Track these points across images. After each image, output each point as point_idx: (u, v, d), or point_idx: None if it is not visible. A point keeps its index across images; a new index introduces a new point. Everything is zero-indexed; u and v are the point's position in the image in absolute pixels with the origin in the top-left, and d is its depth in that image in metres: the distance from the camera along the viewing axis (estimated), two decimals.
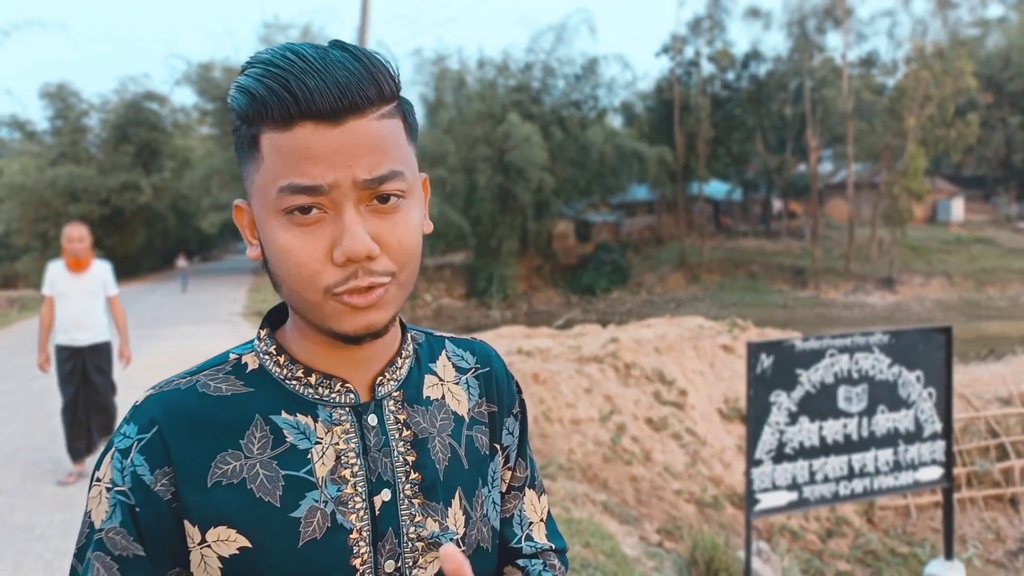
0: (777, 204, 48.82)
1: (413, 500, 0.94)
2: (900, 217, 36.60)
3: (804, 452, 4.76)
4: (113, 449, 0.88)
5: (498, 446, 1.08)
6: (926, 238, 41.12)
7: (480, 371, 1.08)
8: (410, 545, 0.93)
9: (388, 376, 0.96)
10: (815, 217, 39.91)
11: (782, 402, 4.66)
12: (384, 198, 0.84)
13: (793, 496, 4.74)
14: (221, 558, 0.86)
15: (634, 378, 10.82)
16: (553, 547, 1.15)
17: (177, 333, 15.40)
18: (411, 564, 0.94)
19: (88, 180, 34.32)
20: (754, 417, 4.63)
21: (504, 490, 1.11)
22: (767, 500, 4.67)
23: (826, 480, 4.83)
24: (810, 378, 4.72)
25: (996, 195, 49.96)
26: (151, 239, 39.15)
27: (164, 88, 50.63)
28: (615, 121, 46.63)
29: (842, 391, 4.83)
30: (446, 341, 1.10)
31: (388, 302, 0.87)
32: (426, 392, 1.00)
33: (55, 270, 6.16)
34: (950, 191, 47.59)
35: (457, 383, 1.05)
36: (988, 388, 12.14)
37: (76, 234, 6.00)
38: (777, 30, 56.52)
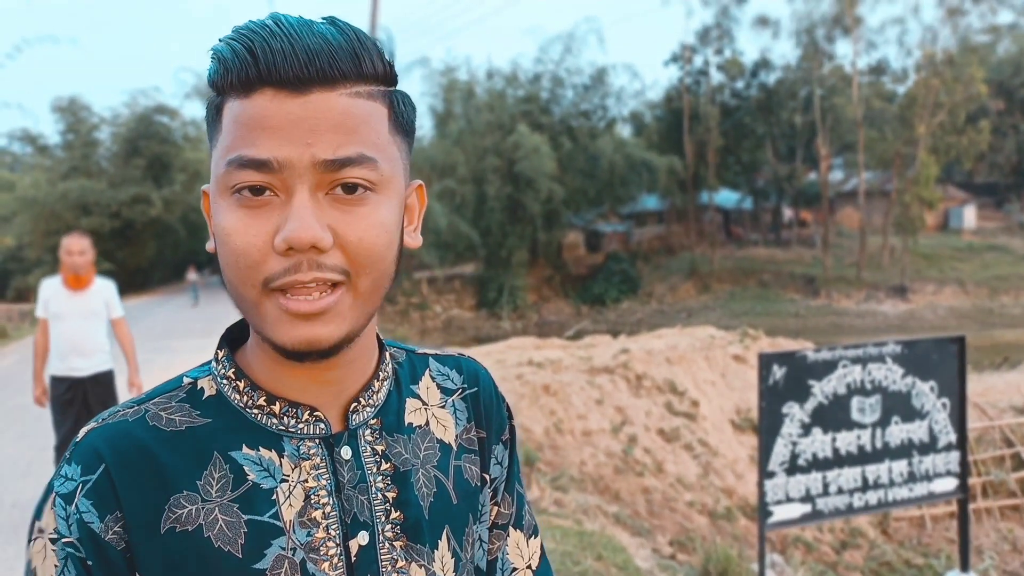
0: (788, 213, 48.69)
1: (395, 543, 0.82)
2: (912, 225, 36.46)
3: (817, 464, 4.72)
4: (53, 494, 0.75)
5: (487, 476, 0.95)
6: (938, 246, 40.93)
7: (467, 391, 0.95)
8: None
9: (364, 402, 0.84)
10: (826, 225, 39.79)
11: (795, 413, 4.63)
12: (350, 188, 0.72)
13: (807, 508, 4.70)
14: None
15: (645, 389, 10.78)
16: None
17: (189, 346, 15.44)
18: None
19: (99, 193, 34.53)
20: (766, 429, 4.59)
21: (489, 527, 0.97)
22: (780, 512, 4.63)
23: (840, 492, 4.79)
24: (823, 389, 4.69)
25: (1008, 202, 49.68)
26: (162, 252, 39.35)
27: (174, 101, 50.91)
28: (624, 131, 46.64)
29: (855, 402, 4.79)
30: (430, 359, 0.97)
31: (338, 315, 0.73)
32: (408, 418, 0.88)
33: (50, 288, 5.33)
34: (962, 198, 47.37)
35: (443, 406, 0.92)
36: (1003, 397, 12.04)
37: (77, 246, 5.17)
38: (786, 38, 56.56)
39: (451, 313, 36.59)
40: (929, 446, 4.99)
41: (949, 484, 5.10)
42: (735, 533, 8.51)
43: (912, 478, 4.97)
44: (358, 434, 0.83)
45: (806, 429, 4.66)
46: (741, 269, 40.57)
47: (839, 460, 4.77)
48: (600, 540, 5.94)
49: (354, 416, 0.83)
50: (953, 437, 5.07)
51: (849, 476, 4.80)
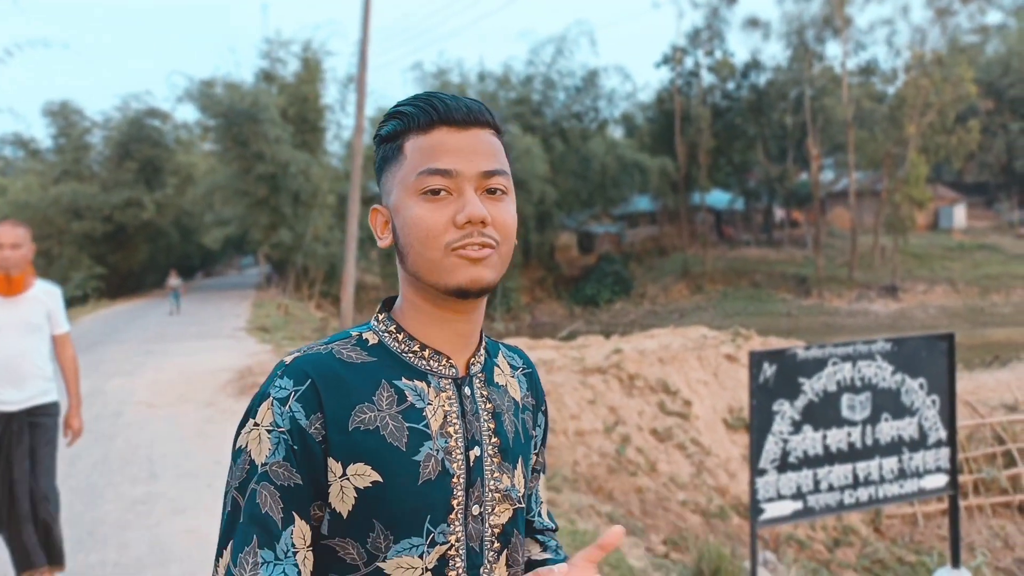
0: (779, 213, 48.81)
1: (494, 459, 1.16)
2: (902, 224, 36.60)
3: (808, 461, 4.74)
4: (271, 398, 1.05)
5: (534, 433, 1.30)
6: (929, 245, 41.09)
7: (526, 371, 1.33)
8: (491, 495, 1.15)
9: (476, 359, 1.19)
10: (817, 225, 39.91)
11: (785, 411, 4.66)
12: (493, 191, 1.10)
13: (798, 505, 4.73)
14: (357, 489, 1.05)
15: (638, 389, 10.81)
16: (553, 527, 1.41)
17: (181, 348, 15.41)
18: (490, 511, 1.15)
19: (91, 197, 34.43)
20: (757, 426, 4.62)
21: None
22: (772, 510, 4.65)
23: (831, 489, 4.81)
24: (813, 387, 4.72)
25: (998, 201, 49.90)
26: (154, 255, 39.23)
27: (166, 105, 50.66)
28: (616, 132, 46.75)
29: (845, 399, 4.82)
30: (500, 344, 1.33)
31: (493, 264, 1.09)
32: (496, 378, 1.23)
33: None
34: (952, 198, 47.55)
35: (512, 376, 1.28)
36: (993, 395, 12.11)
37: (8, 237, 3.97)
38: (776, 40, 56.64)
39: None
40: (919, 443, 5.03)
41: (939, 480, 5.13)
42: (728, 532, 8.53)
43: (902, 475, 5.00)
44: (473, 380, 1.18)
45: (797, 427, 4.69)
46: (733, 269, 40.66)
47: (830, 457, 4.80)
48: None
49: (472, 367, 1.18)
50: (943, 434, 5.10)
51: (840, 473, 4.83)
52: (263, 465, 1.03)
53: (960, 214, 46.57)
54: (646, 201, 46.90)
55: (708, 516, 8.77)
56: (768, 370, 4.58)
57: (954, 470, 5.16)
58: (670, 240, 45.27)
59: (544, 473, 1.39)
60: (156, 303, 29.32)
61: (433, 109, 1.10)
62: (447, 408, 1.13)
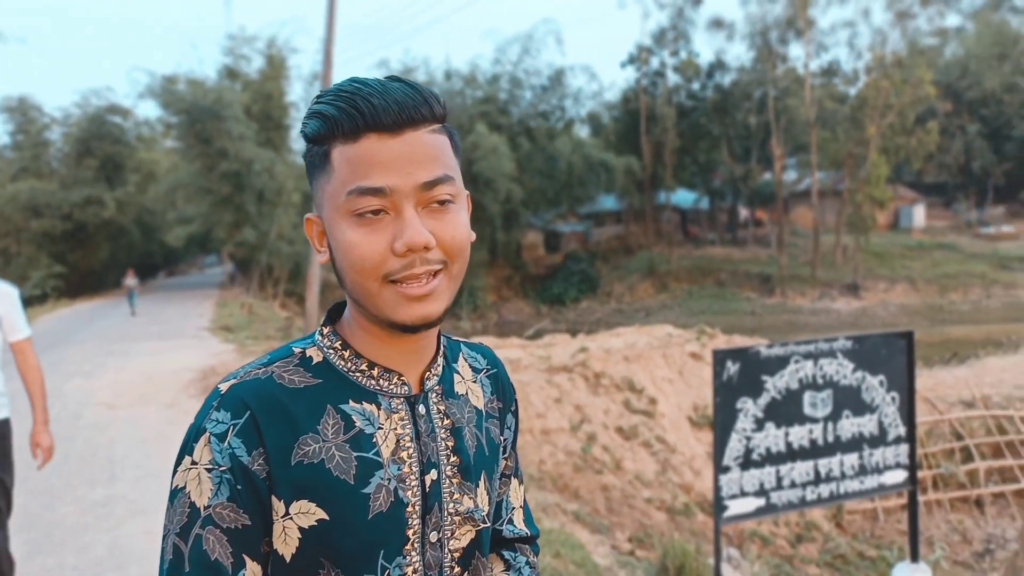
0: (743, 212, 49.28)
1: (453, 480, 1.08)
2: (864, 224, 37.11)
3: (771, 458, 4.79)
4: (207, 434, 0.97)
5: (502, 438, 1.22)
6: (889, 244, 41.71)
7: (490, 372, 1.24)
8: (449, 519, 1.07)
9: (432, 371, 1.10)
10: (781, 225, 40.33)
11: (748, 409, 4.70)
12: (441, 201, 0.98)
13: (761, 502, 4.77)
14: (301, 529, 0.97)
15: (604, 387, 10.85)
16: (528, 533, 1.32)
17: (143, 348, 15.19)
18: (449, 535, 1.08)
19: (50, 195, 33.80)
20: (721, 424, 4.66)
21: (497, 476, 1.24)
22: (735, 506, 4.69)
23: (793, 485, 4.87)
24: (776, 384, 4.76)
25: (956, 201, 50.84)
26: (115, 254, 38.57)
27: (127, 101, 49.86)
28: (582, 131, 46.86)
29: (807, 397, 4.88)
30: (461, 344, 1.24)
31: (441, 293, 1.00)
32: (455, 388, 1.14)
33: None
34: (912, 198, 48.34)
35: (475, 381, 1.19)
36: (952, 392, 12.32)
37: None
38: (740, 41, 57.17)
39: None
40: (879, 439, 5.10)
41: (899, 476, 5.21)
42: (693, 529, 8.60)
43: (863, 471, 5.07)
44: (428, 396, 1.09)
45: (759, 424, 4.73)
46: (698, 268, 40.96)
47: (792, 454, 4.85)
48: (559, 538, 5.97)
49: (427, 382, 1.09)
50: (902, 430, 5.18)
51: (802, 470, 4.89)
52: (206, 508, 0.95)
53: (920, 214, 47.35)
54: (612, 200, 47.08)
55: (673, 513, 8.83)
56: (731, 368, 4.62)
57: (913, 466, 5.24)
58: (636, 239, 45.49)
59: (517, 477, 1.32)
60: (117, 303, 28.84)
61: (359, 113, 0.95)
62: (400, 431, 1.04)
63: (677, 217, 48.23)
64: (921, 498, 9.56)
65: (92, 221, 34.89)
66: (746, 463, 4.72)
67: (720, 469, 4.65)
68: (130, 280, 24.95)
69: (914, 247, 41.82)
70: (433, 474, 1.06)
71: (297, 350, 1.06)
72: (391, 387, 1.06)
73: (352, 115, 0.95)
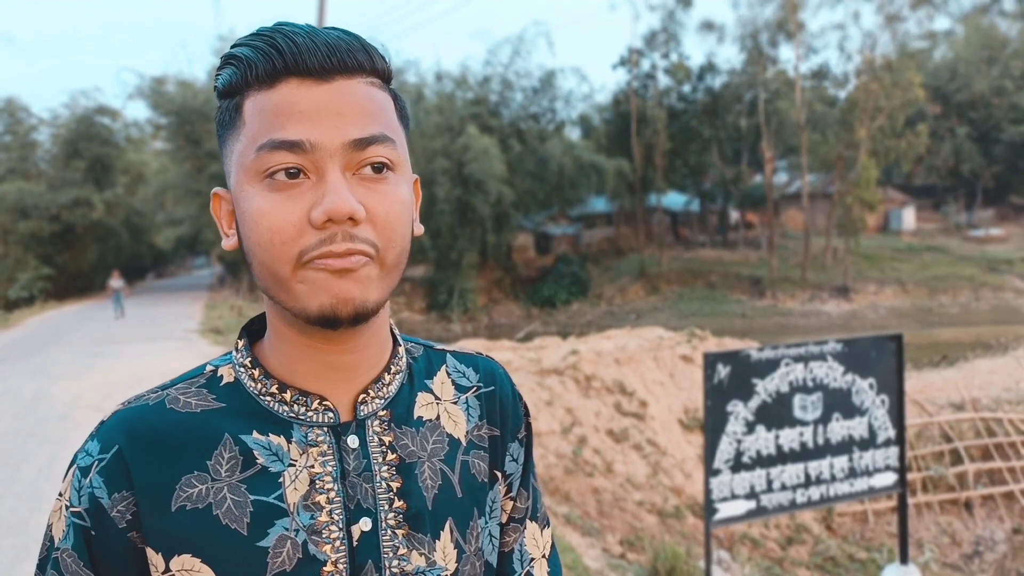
0: (734, 215, 49.39)
1: (397, 531, 0.85)
2: (853, 226, 37.23)
3: (761, 461, 4.79)
4: (75, 466, 0.82)
5: (499, 473, 0.98)
6: (879, 247, 41.86)
7: (483, 390, 0.99)
8: None
9: (373, 393, 0.88)
10: (771, 227, 40.44)
11: (739, 412, 4.69)
12: (377, 167, 0.79)
13: (751, 505, 4.77)
14: None
15: (595, 390, 10.84)
16: None
17: (131, 351, 15.12)
18: None
19: (38, 196, 33.63)
20: (711, 427, 4.65)
21: (504, 521, 1.01)
22: (726, 509, 4.69)
23: (783, 488, 4.87)
24: (766, 387, 4.76)
25: (946, 204, 51.04)
26: (104, 256, 38.43)
27: (116, 102, 49.82)
28: (573, 134, 46.91)
29: (797, 400, 4.88)
30: (447, 355, 1.00)
31: (368, 278, 0.78)
32: (418, 412, 0.91)
33: None
34: (901, 200, 48.56)
35: (455, 403, 0.95)
36: (941, 394, 12.36)
37: None
38: (731, 43, 57.43)
39: (401, 316, 36.40)
40: (869, 442, 5.10)
41: (888, 479, 5.21)
42: (684, 531, 8.60)
43: (853, 473, 5.07)
44: (366, 424, 0.87)
45: (750, 427, 4.73)
46: (689, 270, 41.01)
47: (782, 457, 4.85)
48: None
49: (362, 407, 0.87)
50: (892, 433, 5.18)
51: (792, 472, 4.88)
52: (56, 549, 0.81)
53: (909, 216, 47.56)
54: (603, 202, 47.13)
55: (664, 516, 8.82)
56: (722, 371, 4.61)
57: (903, 468, 5.24)
58: (627, 241, 45.54)
59: (535, 520, 1.04)
60: (105, 304, 28.71)
61: (277, 52, 0.77)
62: (317, 469, 0.83)
63: (668, 219, 48.30)
64: (911, 500, 9.58)
65: (80, 223, 34.75)
66: (737, 466, 4.71)
67: (710, 472, 4.65)
68: (115, 282, 23.69)
69: (904, 250, 41.99)
70: (365, 523, 0.84)
71: (209, 368, 0.88)
72: (309, 414, 0.84)
73: (269, 54, 0.77)
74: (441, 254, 36.92)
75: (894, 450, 5.20)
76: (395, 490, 0.86)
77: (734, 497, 4.72)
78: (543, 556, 1.04)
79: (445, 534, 0.89)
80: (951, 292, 36.64)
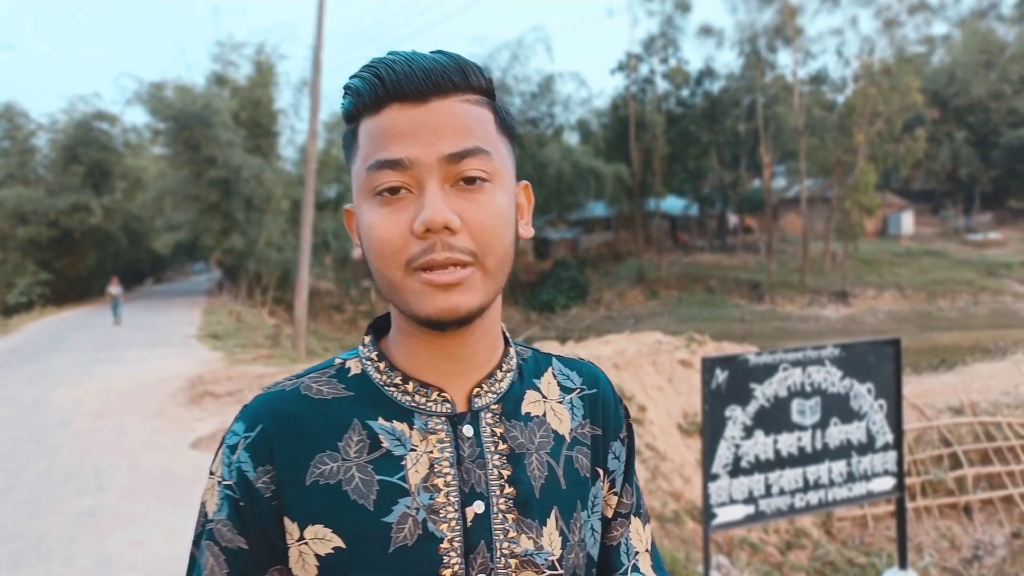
0: (733, 219, 49.43)
1: (507, 515, 0.92)
2: (852, 231, 37.27)
3: (760, 466, 4.79)
4: (223, 446, 0.92)
5: (601, 470, 1.05)
6: (878, 251, 41.90)
7: (586, 392, 1.06)
8: (503, 561, 0.91)
9: (486, 388, 0.96)
10: (770, 232, 40.47)
11: (737, 416, 4.70)
12: (470, 180, 0.85)
13: (750, 510, 4.77)
14: (318, 556, 0.88)
15: None
16: None
17: (130, 356, 15.11)
18: None
19: (36, 202, 33.57)
20: (710, 432, 4.65)
21: (610, 516, 1.09)
22: (724, 514, 4.69)
23: (782, 493, 4.87)
24: (764, 392, 4.76)
25: (944, 208, 51.13)
26: (102, 261, 38.36)
27: (115, 108, 49.63)
28: (572, 138, 46.94)
29: (795, 404, 4.88)
30: (553, 359, 1.08)
31: (472, 287, 0.86)
32: (526, 408, 0.99)
33: None
34: (900, 205, 48.60)
35: (560, 402, 1.03)
36: (940, 398, 12.35)
37: None
38: (729, 48, 57.50)
39: None
40: (867, 446, 5.10)
41: (887, 483, 5.22)
42: (683, 536, 8.59)
43: (851, 478, 5.07)
44: (480, 416, 0.95)
45: (748, 432, 4.73)
46: (688, 275, 41.03)
47: (781, 462, 4.85)
48: None
49: (477, 400, 0.95)
50: (890, 437, 5.19)
51: (790, 477, 4.89)
52: (210, 522, 0.90)
53: (908, 221, 47.61)
54: (601, 207, 47.17)
55: (663, 521, 8.81)
56: (720, 376, 4.61)
57: (901, 473, 5.24)
58: (625, 246, 45.58)
59: (639, 516, 1.12)
60: (104, 310, 28.68)
61: (379, 81, 0.86)
62: (436, 455, 0.91)
63: (666, 224, 48.36)
64: (909, 505, 9.58)
65: (79, 228, 34.69)
66: (735, 471, 4.71)
67: (709, 477, 4.65)
68: (114, 288, 23.65)
69: (902, 254, 42.02)
70: (479, 506, 0.91)
71: (338, 362, 0.98)
72: (429, 404, 0.93)
73: (373, 83, 0.86)
74: None
75: (892, 454, 5.20)
76: (506, 477, 0.93)
77: (733, 502, 4.72)
78: (646, 550, 1.12)
79: (551, 522, 0.95)
80: (950, 296, 36.66)
